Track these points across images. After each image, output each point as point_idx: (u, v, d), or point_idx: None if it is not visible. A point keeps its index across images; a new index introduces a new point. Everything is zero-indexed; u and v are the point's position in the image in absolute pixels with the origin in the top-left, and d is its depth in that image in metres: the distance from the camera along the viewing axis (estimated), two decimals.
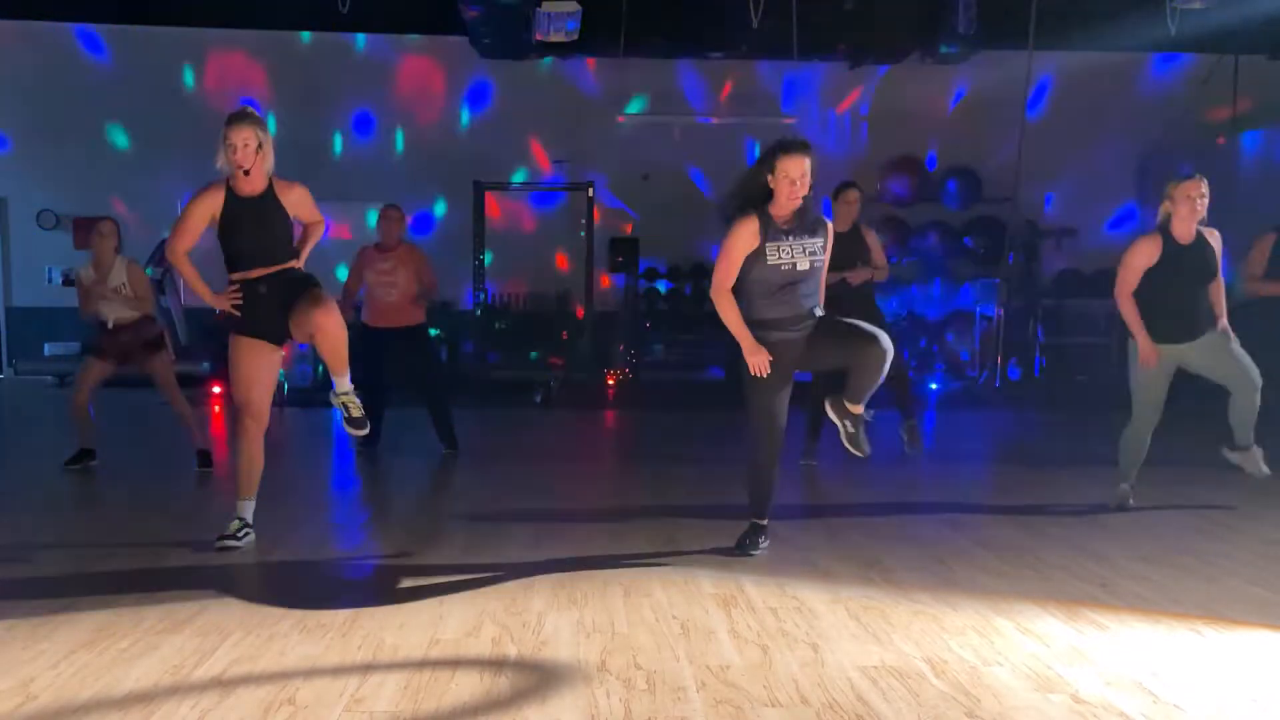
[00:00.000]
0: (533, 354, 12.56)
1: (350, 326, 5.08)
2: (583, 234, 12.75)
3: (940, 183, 12.77)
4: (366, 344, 7.16)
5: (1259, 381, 5.52)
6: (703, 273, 12.82)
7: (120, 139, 12.70)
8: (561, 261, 13.19)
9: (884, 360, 4.59)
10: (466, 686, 3.26)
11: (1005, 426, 9.87)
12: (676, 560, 4.74)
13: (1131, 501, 5.77)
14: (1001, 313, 12.05)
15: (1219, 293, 5.60)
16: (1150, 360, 5.59)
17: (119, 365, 6.85)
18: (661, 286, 13.16)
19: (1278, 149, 11.08)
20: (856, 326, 4.68)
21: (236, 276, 4.83)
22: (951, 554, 4.83)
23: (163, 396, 6.94)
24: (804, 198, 4.58)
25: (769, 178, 4.58)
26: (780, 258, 4.60)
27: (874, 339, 4.57)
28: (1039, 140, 11.93)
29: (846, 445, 4.92)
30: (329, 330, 4.68)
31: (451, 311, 12.69)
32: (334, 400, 4.93)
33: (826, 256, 4.76)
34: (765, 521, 4.88)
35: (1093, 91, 12.64)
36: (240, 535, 4.86)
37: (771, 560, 4.74)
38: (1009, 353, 12.24)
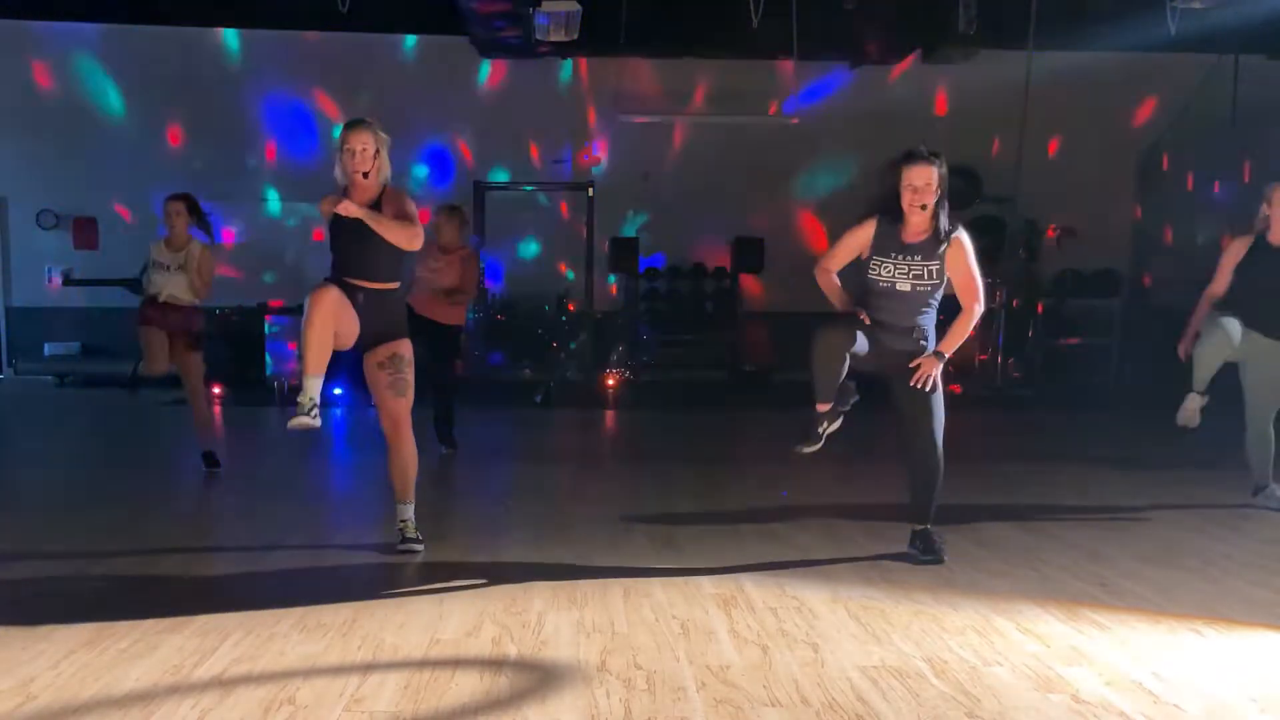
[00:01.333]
0: (533, 354, 12.57)
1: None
2: (583, 235, 12.74)
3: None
4: (413, 331, 7.05)
5: None
6: (703, 272, 12.82)
7: (121, 139, 12.68)
8: (561, 262, 13.18)
9: (929, 469, 4.66)
10: (466, 686, 3.26)
11: (1005, 426, 9.87)
12: (676, 560, 4.74)
13: (1197, 422, 5.78)
14: (1002, 313, 12.04)
15: None
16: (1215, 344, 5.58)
17: (169, 333, 6.70)
18: (661, 287, 13.14)
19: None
20: (928, 414, 4.64)
21: (339, 275, 4.74)
22: (951, 554, 4.83)
23: (186, 392, 6.86)
24: (934, 216, 4.49)
25: (896, 182, 4.51)
26: (880, 274, 4.55)
27: (930, 439, 4.62)
28: (1039, 140, 11.93)
29: (803, 435, 4.74)
30: (401, 454, 4.80)
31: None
32: (396, 524, 4.91)
33: (951, 273, 4.57)
34: (827, 407, 4.66)
35: (1092, 91, 12.63)
36: (418, 535, 4.89)
37: (771, 560, 4.74)
38: (1009, 353, 12.24)
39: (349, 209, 4.55)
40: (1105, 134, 12.76)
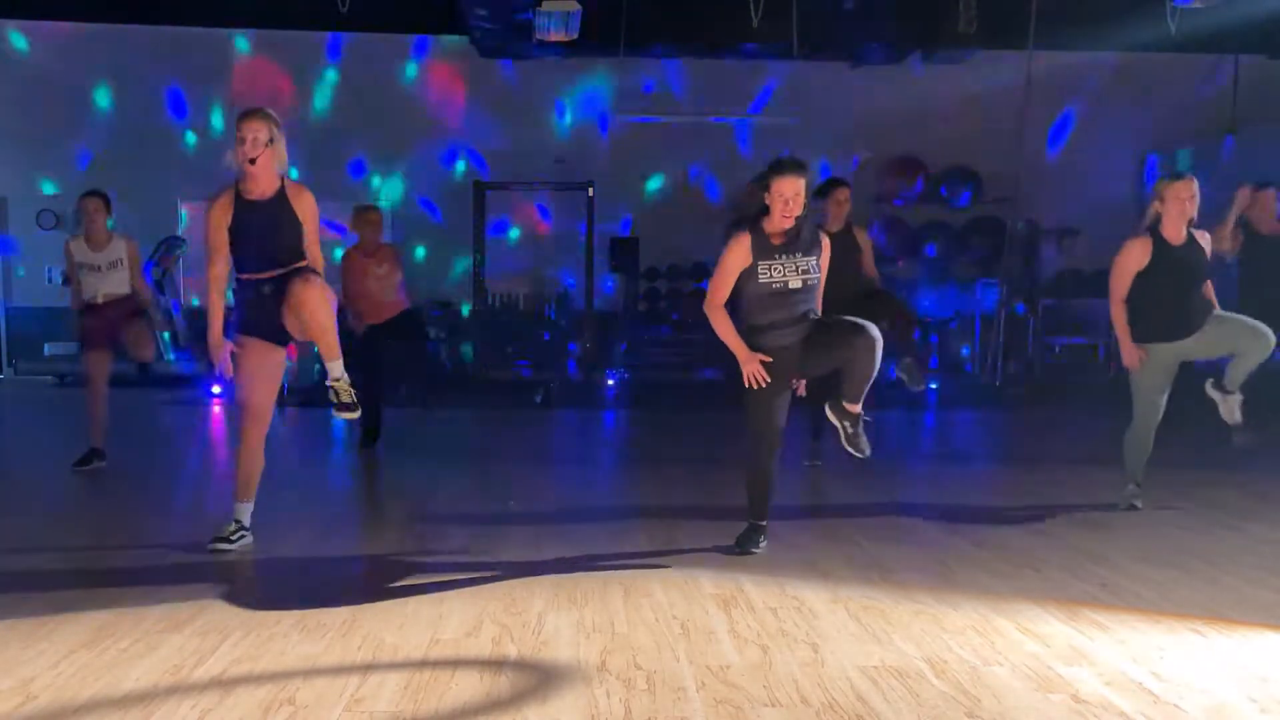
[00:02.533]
0: (533, 354, 12.57)
1: (350, 334, 5.05)
2: (582, 235, 12.74)
3: (940, 183, 12.76)
4: (364, 344, 7.22)
5: (1273, 339, 5.42)
6: (703, 272, 12.81)
7: (121, 139, 12.68)
8: (561, 262, 13.18)
9: (873, 350, 4.62)
10: (466, 686, 3.26)
11: (1005, 426, 9.87)
12: (676, 560, 4.74)
13: (1139, 503, 5.75)
14: (1002, 313, 12.05)
15: (1209, 291, 5.60)
16: (1132, 364, 5.59)
17: (113, 345, 6.76)
18: (661, 287, 13.15)
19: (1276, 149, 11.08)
20: (843, 321, 4.71)
21: (245, 277, 4.82)
22: (951, 554, 4.83)
23: (131, 354, 6.88)
24: (797, 217, 4.65)
25: (764, 196, 4.65)
26: (771, 275, 4.67)
27: (861, 328, 4.61)
28: (1039, 140, 11.94)
29: (846, 447, 4.93)
30: (310, 303, 4.61)
31: (452, 312, 12.69)
32: (329, 389, 4.89)
33: (823, 273, 4.81)
34: (764, 522, 4.92)
35: (1092, 91, 12.64)
36: (234, 538, 4.85)
37: (771, 560, 4.74)
38: (1009, 353, 12.24)
39: (225, 367, 4.78)
40: (1105, 134, 12.77)
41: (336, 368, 4.83)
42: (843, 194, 6.66)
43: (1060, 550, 4.94)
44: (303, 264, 4.82)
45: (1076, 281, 12.65)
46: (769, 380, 4.69)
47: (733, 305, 4.81)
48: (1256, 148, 10.86)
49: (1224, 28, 9.95)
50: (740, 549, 4.84)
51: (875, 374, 4.72)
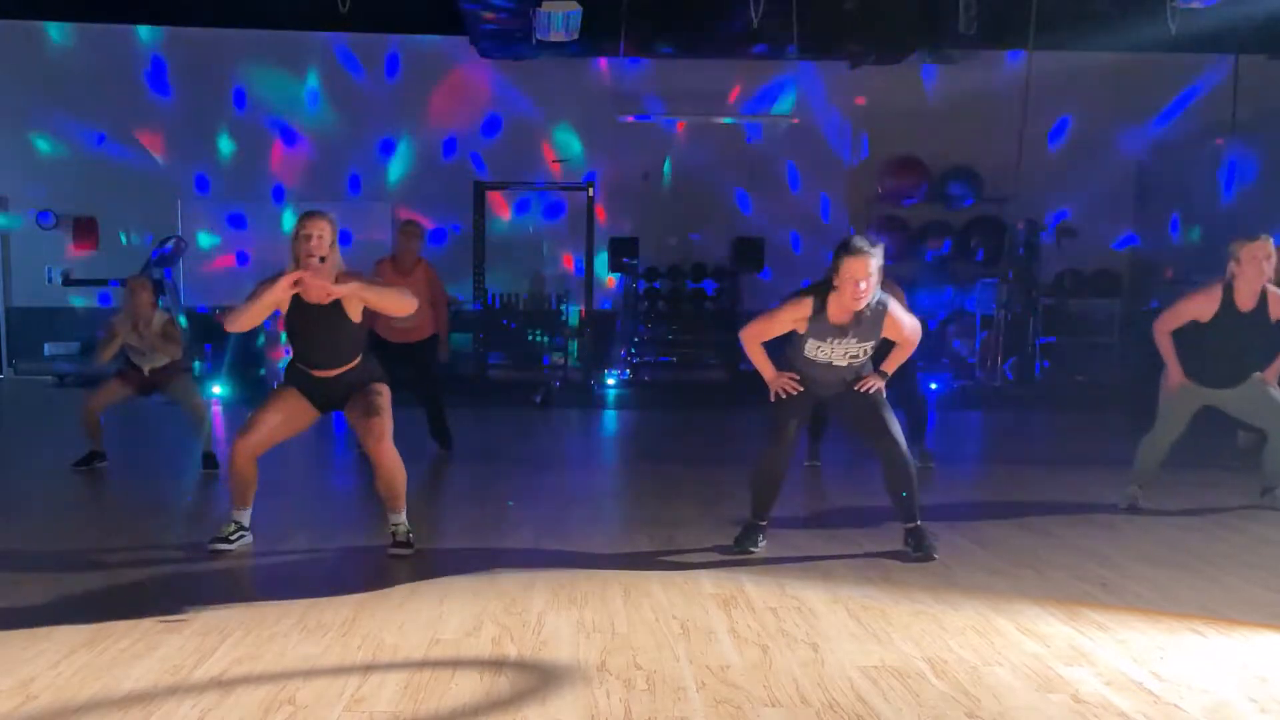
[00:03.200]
0: (532, 355, 12.57)
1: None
2: (583, 234, 12.74)
3: (940, 183, 12.77)
4: (380, 359, 7.18)
5: None
6: (703, 272, 12.81)
7: (120, 139, 12.68)
8: (562, 262, 13.18)
9: (901, 471, 4.74)
10: (466, 686, 3.26)
11: (1005, 426, 9.87)
12: (676, 560, 4.74)
13: (1140, 503, 5.76)
14: (1002, 313, 12.04)
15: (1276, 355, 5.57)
16: (1173, 389, 5.60)
17: (144, 393, 6.91)
18: (661, 286, 13.14)
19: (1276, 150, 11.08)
20: (884, 427, 4.74)
21: (302, 366, 4.82)
22: (951, 554, 4.83)
23: (187, 411, 6.96)
24: (866, 303, 4.55)
25: (835, 277, 4.55)
26: (817, 355, 4.70)
27: (893, 445, 4.71)
28: (1039, 140, 11.93)
29: (742, 542, 4.89)
30: (385, 467, 4.74)
31: (451, 312, 12.67)
32: (388, 528, 4.90)
33: (888, 334, 4.73)
34: (764, 522, 4.95)
35: (1093, 91, 12.63)
36: (234, 537, 4.86)
37: (771, 560, 4.74)
38: (1009, 353, 12.23)
39: (330, 290, 4.57)
40: (1105, 134, 12.77)
41: (399, 518, 4.87)
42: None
43: (1060, 550, 4.94)
44: (360, 361, 4.82)
45: (1076, 281, 12.64)
46: (797, 393, 4.75)
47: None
48: (1256, 148, 10.86)
49: (1224, 28, 9.94)
50: (739, 548, 4.85)
51: (913, 491, 4.80)
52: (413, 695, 3.18)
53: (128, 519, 5.58)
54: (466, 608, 4.02)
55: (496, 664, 3.45)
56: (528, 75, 12.78)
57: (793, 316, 4.67)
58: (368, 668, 3.41)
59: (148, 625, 3.78)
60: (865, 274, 4.47)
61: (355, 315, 4.76)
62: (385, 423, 4.75)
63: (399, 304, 4.80)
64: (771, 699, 3.17)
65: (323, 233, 4.64)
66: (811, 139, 12.99)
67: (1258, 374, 5.54)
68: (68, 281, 12.56)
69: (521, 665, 3.45)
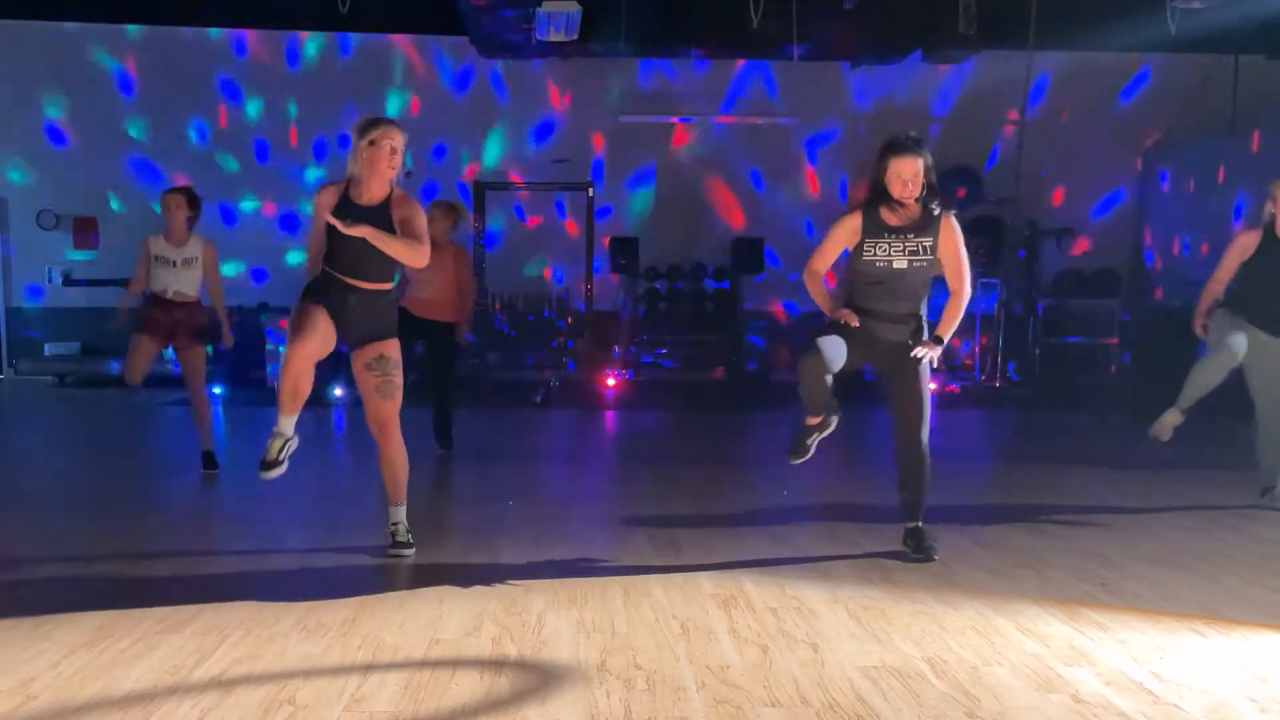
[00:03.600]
0: (532, 355, 12.58)
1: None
2: (582, 234, 12.75)
3: (940, 183, 12.76)
4: (403, 327, 7.15)
5: None
6: (703, 272, 12.81)
7: (121, 140, 12.68)
8: (561, 262, 13.18)
9: (914, 467, 4.70)
10: (466, 686, 3.26)
11: (1005, 426, 9.87)
12: (676, 560, 4.74)
13: (1168, 438, 5.81)
14: (1002, 313, 12.05)
15: None
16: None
17: (165, 343, 6.68)
18: (661, 286, 13.15)
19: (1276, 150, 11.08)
20: (917, 412, 4.68)
21: (330, 271, 4.64)
22: (951, 554, 4.83)
23: (188, 388, 6.82)
24: (919, 199, 4.52)
25: (882, 176, 4.52)
26: (876, 254, 4.56)
27: (915, 437, 4.65)
28: (1039, 140, 11.94)
29: (793, 446, 4.83)
30: (390, 455, 4.72)
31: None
32: (387, 528, 4.86)
33: (942, 254, 4.60)
34: (815, 420, 4.73)
35: (1093, 91, 12.64)
36: (283, 456, 4.67)
37: (771, 560, 4.74)
38: (1009, 353, 12.24)
39: (351, 228, 4.42)
40: (1105, 134, 12.77)
41: (399, 513, 4.83)
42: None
43: (1060, 550, 4.94)
44: (390, 292, 4.73)
45: (1076, 281, 12.65)
46: (856, 325, 4.56)
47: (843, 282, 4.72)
48: (1257, 148, 10.86)
49: (1224, 28, 9.95)
50: (791, 448, 4.81)
51: (923, 490, 4.75)
52: (413, 695, 3.18)
53: (128, 519, 5.58)
54: (466, 608, 4.02)
55: (496, 664, 3.45)
56: (528, 75, 12.79)
57: (846, 230, 4.60)
58: (368, 668, 3.41)
59: (148, 625, 3.78)
60: (912, 171, 4.45)
61: (400, 226, 4.60)
62: (395, 408, 4.70)
63: (409, 252, 4.57)
64: (771, 699, 3.17)
65: (398, 145, 4.55)
66: (811, 140, 12.99)
67: None
68: (68, 281, 12.57)
69: (521, 665, 3.45)
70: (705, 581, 4.39)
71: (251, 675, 3.33)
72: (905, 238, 4.55)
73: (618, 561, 4.72)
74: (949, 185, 12.72)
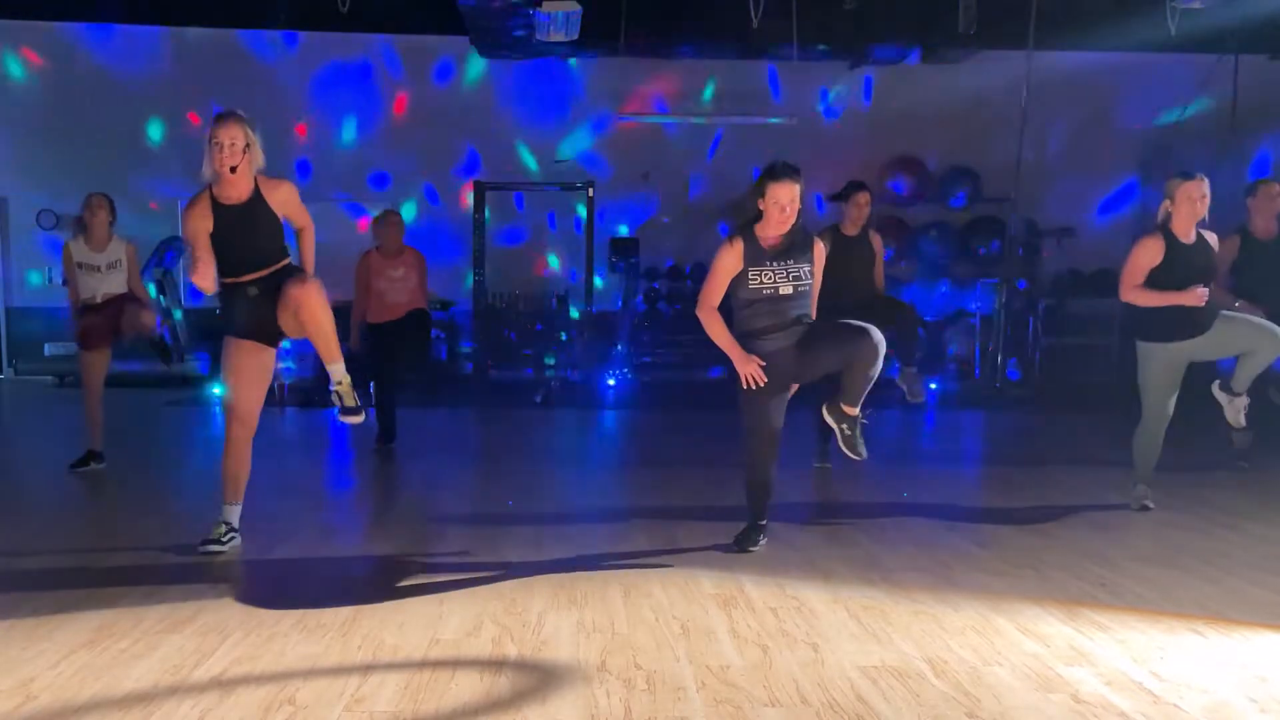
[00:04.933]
0: (531, 355, 12.57)
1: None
2: (582, 235, 12.74)
3: (940, 183, 12.76)
4: (372, 342, 7.27)
5: None
6: (703, 272, 12.79)
7: (120, 141, 12.67)
8: (561, 262, 13.18)
9: (876, 354, 4.60)
10: (466, 686, 3.26)
11: (1005, 426, 9.87)
12: (676, 560, 4.74)
13: (1150, 504, 5.73)
14: (1002, 313, 12.04)
15: (1219, 293, 5.62)
16: (1154, 355, 5.55)
17: (111, 343, 6.69)
18: (661, 286, 13.14)
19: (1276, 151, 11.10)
20: (845, 325, 4.70)
21: (229, 281, 4.74)
22: (951, 554, 4.83)
23: (124, 332, 6.75)
24: (792, 225, 4.67)
25: (759, 201, 4.67)
26: (762, 281, 4.70)
27: (864, 333, 4.59)
28: (1039, 140, 11.93)
29: (843, 448, 4.92)
30: (308, 304, 4.56)
31: (450, 312, 12.67)
32: (332, 394, 4.84)
33: (816, 278, 4.80)
34: (764, 522, 4.95)
35: (1093, 91, 12.63)
36: (225, 539, 4.82)
37: (771, 560, 4.74)
38: (1009, 353, 12.23)
39: (207, 285, 4.57)
40: (1105, 134, 12.77)
41: (338, 370, 4.79)
42: (863, 198, 6.64)
43: (1060, 550, 4.94)
44: (286, 262, 4.79)
45: (1076, 281, 12.64)
46: (766, 381, 4.69)
47: (726, 312, 4.84)
48: (1256, 148, 10.86)
49: (1224, 28, 9.95)
50: (739, 547, 4.86)
51: (875, 377, 4.71)
52: (413, 695, 3.18)
53: (128, 519, 5.58)
54: (466, 608, 4.02)
55: (496, 664, 3.45)
56: (528, 75, 12.78)
57: (729, 260, 4.72)
58: (368, 668, 3.41)
59: (148, 625, 3.78)
60: (789, 197, 4.60)
61: (277, 208, 4.71)
62: (310, 284, 4.62)
63: (310, 240, 4.82)
64: (771, 699, 3.17)
65: (235, 139, 4.59)
66: (810, 139, 12.98)
67: (1224, 312, 5.54)
68: (66, 283, 12.54)
69: (521, 665, 3.45)
70: (705, 581, 4.39)
71: (251, 675, 3.33)
72: (786, 262, 4.69)
73: (618, 562, 4.72)
74: (949, 185, 12.76)
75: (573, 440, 9.21)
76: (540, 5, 9.78)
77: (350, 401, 4.82)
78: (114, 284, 6.67)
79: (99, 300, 6.64)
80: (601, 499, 6.32)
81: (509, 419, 9.87)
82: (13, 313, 12.88)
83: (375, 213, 8.22)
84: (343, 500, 6.56)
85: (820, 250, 4.85)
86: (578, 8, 9.76)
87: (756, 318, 4.76)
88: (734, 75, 12.89)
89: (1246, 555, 4.87)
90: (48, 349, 12.52)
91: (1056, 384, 12.04)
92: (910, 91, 12.61)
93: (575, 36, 10.08)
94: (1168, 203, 5.50)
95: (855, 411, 4.83)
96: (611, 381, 11.92)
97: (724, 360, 4.95)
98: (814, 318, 4.81)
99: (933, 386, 11.25)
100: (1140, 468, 5.79)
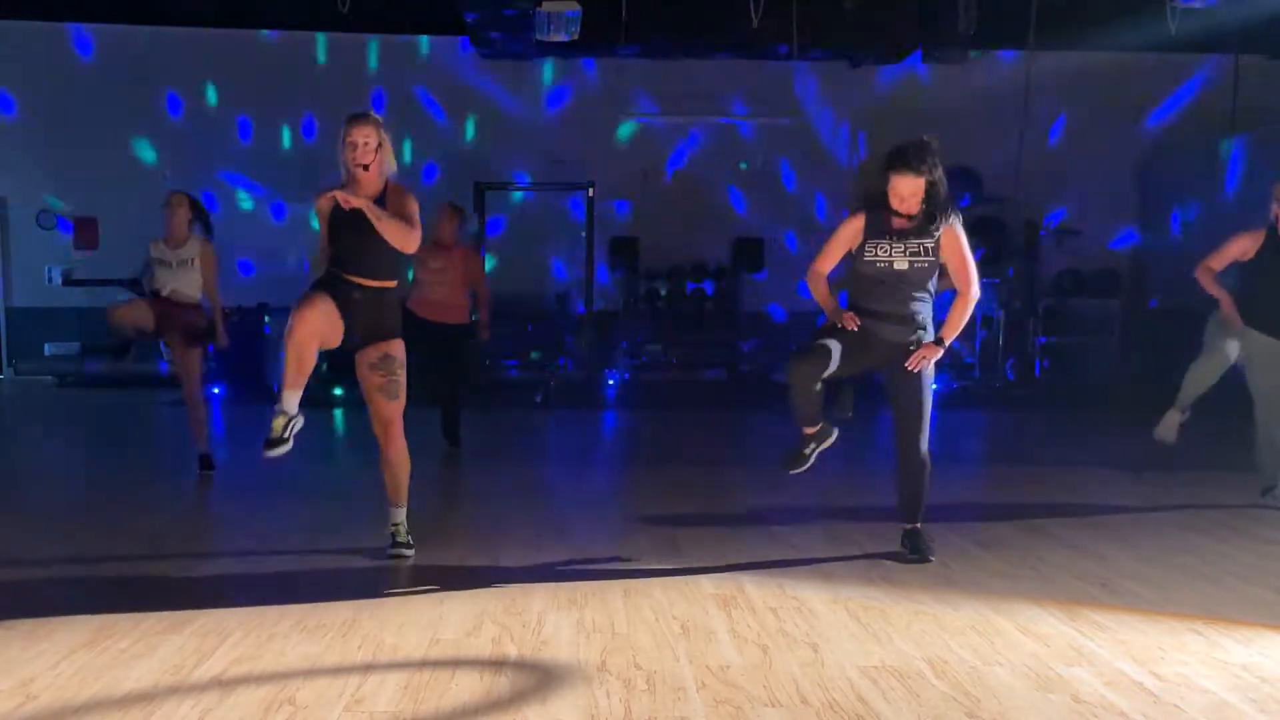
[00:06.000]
0: (533, 354, 12.57)
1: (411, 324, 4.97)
2: (583, 234, 12.74)
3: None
4: (409, 330, 7.20)
5: None
6: (703, 272, 12.80)
7: (120, 141, 12.68)
8: (561, 262, 13.18)
9: (913, 471, 4.69)
10: (466, 686, 3.26)
11: (1005, 426, 9.87)
12: (677, 560, 4.74)
13: (1174, 439, 5.88)
14: (1002, 313, 12.04)
15: (1213, 285, 5.68)
16: (1235, 321, 5.68)
17: (158, 328, 6.65)
18: (661, 286, 13.15)
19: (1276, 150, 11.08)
20: (916, 415, 4.65)
21: (336, 270, 4.66)
22: (951, 554, 4.83)
23: (184, 389, 6.79)
24: (922, 209, 4.53)
25: (884, 187, 4.57)
26: (877, 254, 4.58)
27: (914, 442, 4.64)
28: (1039, 140, 11.93)
29: (788, 453, 4.85)
30: (392, 457, 4.74)
31: None
32: (387, 529, 4.85)
33: (945, 257, 4.60)
34: (812, 429, 4.76)
35: (1093, 91, 12.63)
36: (288, 433, 4.56)
37: (771, 560, 4.74)
38: (1009, 353, 12.23)
39: (349, 200, 4.46)
40: (1105, 134, 12.76)
41: (399, 514, 4.83)
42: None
43: (1060, 550, 4.94)
44: (393, 285, 4.71)
45: (1076, 281, 12.64)
46: (855, 329, 4.55)
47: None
48: (1256, 148, 10.86)
49: (1224, 28, 9.95)
50: (785, 460, 4.83)
51: (921, 492, 4.74)
52: (413, 695, 3.18)
53: (127, 519, 5.58)
54: (466, 608, 4.02)
55: (496, 664, 3.45)
56: (528, 75, 12.78)
57: (848, 230, 4.64)
58: (368, 668, 3.41)
59: (148, 625, 3.78)
60: (910, 191, 4.49)
61: (394, 211, 4.62)
62: (399, 409, 4.70)
63: (400, 232, 4.58)
64: (771, 699, 3.17)
65: (368, 138, 4.60)
66: (810, 139, 12.99)
67: None
68: (68, 281, 12.55)
69: (521, 665, 3.45)
70: (705, 581, 4.39)
71: (251, 675, 3.33)
72: (907, 239, 4.56)
73: (618, 562, 4.72)
74: (950, 186, 12.75)
75: (572, 440, 9.21)
76: (540, 5, 9.79)
77: (402, 539, 4.82)
78: (183, 282, 6.63)
79: (166, 294, 6.62)
80: (601, 499, 6.32)
81: (509, 419, 9.87)
82: (13, 313, 12.88)
83: None
84: (343, 500, 6.55)
85: (951, 233, 4.59)
86: (578, 8, 9.76)
87: (871, 299, 4.61)
88: (734, 75, 12.88)
89: (1246, 555, 4.87)
90: (48, 349, 12.53)
91: (1056, 384, 12.04)
92: (910, 91, 12.62)
93: (575, 36, 10.08)
94: (1275, 205, 5.57)
95: (827, 444, 4.81)
96: (611, 381, 11.92)
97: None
98: (942, 335, 4.65)
99: (934, 386, 11.27)
100: (1182, 396, 5.98)
